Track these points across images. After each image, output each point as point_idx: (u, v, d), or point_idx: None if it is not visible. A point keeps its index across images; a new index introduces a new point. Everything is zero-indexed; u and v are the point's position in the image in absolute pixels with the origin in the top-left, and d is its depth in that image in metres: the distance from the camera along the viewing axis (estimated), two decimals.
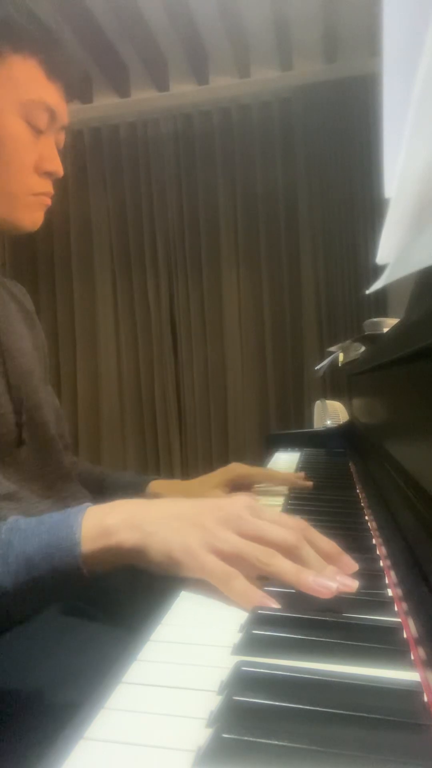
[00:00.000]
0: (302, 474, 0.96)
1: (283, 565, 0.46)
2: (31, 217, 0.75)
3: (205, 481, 0.92)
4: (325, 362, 1.67)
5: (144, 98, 3.28)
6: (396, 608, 0.44)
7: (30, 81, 0.70)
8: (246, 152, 3.16)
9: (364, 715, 0.30)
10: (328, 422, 1.68)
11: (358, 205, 2.99)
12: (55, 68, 0.71)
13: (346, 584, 0.46)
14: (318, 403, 1.98)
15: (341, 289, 3.05)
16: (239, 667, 0.35)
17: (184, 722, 0.31)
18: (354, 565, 0.50)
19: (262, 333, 3.20)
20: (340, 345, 1.56)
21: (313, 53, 3.02)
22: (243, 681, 0.34)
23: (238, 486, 0.92)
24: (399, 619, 0.42)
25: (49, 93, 0.71)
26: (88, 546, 0.48)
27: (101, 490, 0.92)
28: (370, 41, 2.80)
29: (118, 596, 0.74)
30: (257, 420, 3.21)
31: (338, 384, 2.72)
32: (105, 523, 0.49)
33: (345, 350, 1.48)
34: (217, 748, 0.28)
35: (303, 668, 0.36)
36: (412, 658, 0.37)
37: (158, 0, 2.61)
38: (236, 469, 0.93)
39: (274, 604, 0.44)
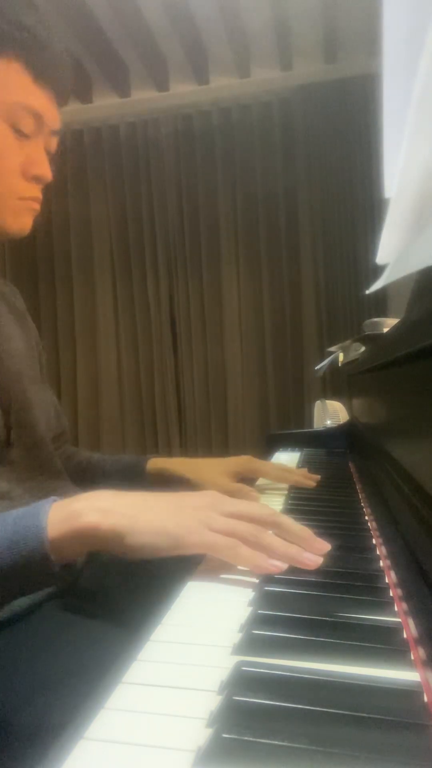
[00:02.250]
0: (305, 470, 0.97)
1: (272, 540, 0.51)
2: (19, 223, 0.74)
3: (215, 465, 0.91)
4: (325, 362, 1.67)
5: (144, 98, 3.28)
6: (396, 608, 0.44)
7: (14, 84, 0.68)
8: (246, 152, 3.16)
9: (364, 715, 0.30)
10: (328, 422, 1.68)
11: (358, 205, 2.99)
12: (42, 72, 0.70)
13: (310, 560, 0.51)
14: (318, 403, 1.98)
15: (341, 289, 3.05)
16: (239, 667, 0.35)
17: (184, 722, 0.31)
18: (326, 546, 0.54)
19: (262, 333, 3.20)
20: (340, 345, 1.56)
21: (313, 53, 3.02)
22: (243, 681, 0.34)
23: (246, 480, 0.91)
24: (399, 619, 0.42)
25: (35, 97, 0.70)
26: (56, 530, 0.49)
27: (103, 476, 0.92)
28: (370, 41, 2.80)
29: (118, 596, 0.74)
30: (257, 420, 3.21)
31: (338, 384, 2.72)
32: (71, 508, 0.50)
33: (345, 350, 1.48)
34: (217, 748, 0.28)
35: (303, 668, 0.36)
36: (412, 658, 0.37)
37: (158, 0, 2.61)
38: (249, 463, 0.92)
39: (282, 566, 0.49)
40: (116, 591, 0.73)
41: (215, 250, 3.23)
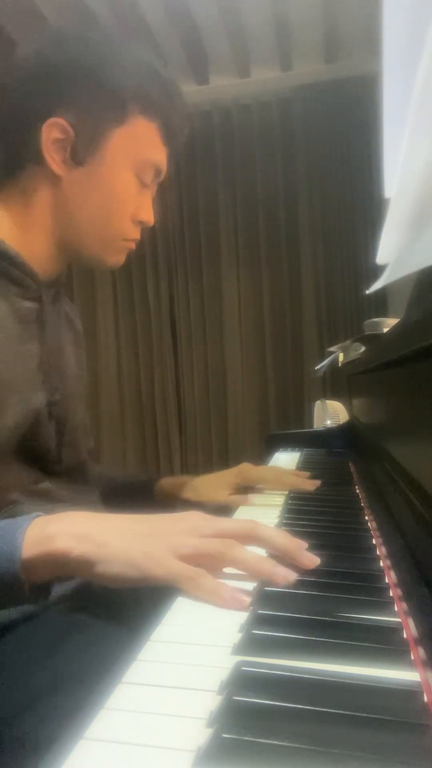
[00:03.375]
0: (307, 474, 0.96)
1: (243, 554, 0.48)
2: (117, 258, 0.81)
3: (213, 481, 0.92)
4: (325, 362, 1.67)
5: None
6: (396, 608, 0.44)
7: (148, 142, 0.76)
8: (246, 152, 3.16)
9: (364, 715, 0.30)
10: (328, 422, 1.68)
11: (358, 205, 2.99)
12: (170, 134, 0.78)
13: (283, 575, 0.48)
14: (318, 403, 1.98)
15: (341, 289, 3.05)
16: (239, 667, 0.35)
17: (184, 722, 0.31)
18: (316, 560, 0.51)
19: (262, 333, 3.20)
20: (340, 345, 1.56)
21: (313, 53, 3.02)
22: (243, 681, 0.34)
23: (246, 489, 0.92)
24: (399, 619, 0.42)
25: (160, 154, 0.78)
26: (30, 551, 0.48)
27: (117, 495, 0.93)
28: (370, 41, 2.80)
29: (124, 598, 0.74)
30: (257, 420, 3.21)
31: (338, 384, 2.72)
32: (46, 530, 0.50)
33: (345, 350, 1.48)
34: (217, 748, 0.28)
35: (303, 668, 0.36)
36: (412, 658, 0.37)
37: (158, 0, 2.61)
38: (247, 472, 0.93)
39: (246, 598, 0.45)
40: (124, 596, 0.73)
41: (215, 250, 3.23)
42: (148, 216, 0.80)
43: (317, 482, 0.94)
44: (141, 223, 0.80)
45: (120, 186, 0.75)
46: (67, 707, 0.48)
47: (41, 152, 0.71)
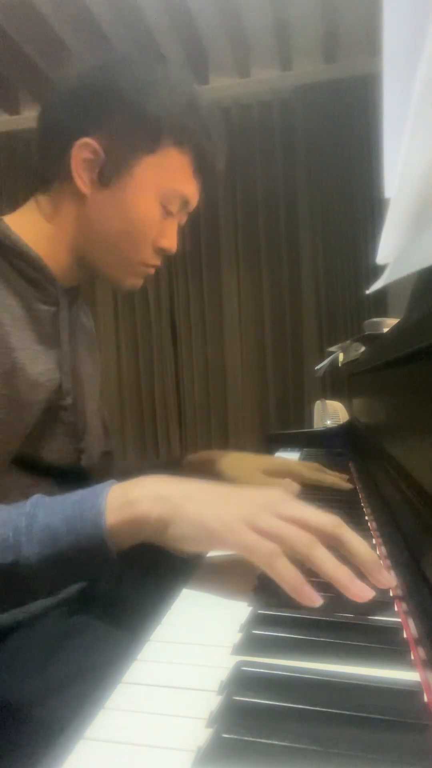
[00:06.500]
0: (346, 477, 0.94)
1: (323, 556, 0.45)
2: (134, 282, 0.82)
3: (252, 461, 0.90)
4: (325, 362, 1.67)
5: None
6: (396, 608, 0.44)
7: (177, 173, 0.76)
8: (246, 152, 3.16)
9: (364, 715, 0.30)
10: (328, 422, 1.68)
11: (358, 205, 2.99)
12: (203, 167, 0.78)
13: (361, 591, 0.44)
14: (318, 403, 1.98)
15: (341, 289, 3.05)
16: (239, 667, 0.35)
17: (184, 722, 0.31)
18: (393, 582, 0.47)
19: (262, 333, 3.20)
20: (340, 345, 1.56)
21: (313, 53, 3.02)
22: (243, 681, 0.34)
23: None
24: (399, 619, 0.42)
25: (189, 186, 0.78)
26: (113, 517, 0.48)
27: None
28: (370, 41, 2.80)
29: (126, 602, 0.74)
30: (257, 420, 3.21)
31: (338, 384, 2.72)
32: (129, 495, 0.49)
33: (345, 350, 1.48)
34: (217, 748, 0.28)
35: (303, 668, 0.36)
36: (412, 658, 0.37)
37: (158, 0, 2.61)
38: (286, 463, 0.91)
39: (318, 600, 0.43)
40: (130, 600, 0.74)
41: (215, 250, 3.23)
42: (171, 244, 0.80)
43: (347, 477, 0.93)
44: (162, 250, 0.80)
45: (143, 212, 0.76)
46: (68, 707, 0.48)
47: (70, 169, 0.73)
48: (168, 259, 0.84)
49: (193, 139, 0.75)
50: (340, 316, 3.06)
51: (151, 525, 0.48)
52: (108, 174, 0.73)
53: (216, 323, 3.25)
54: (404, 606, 0.44)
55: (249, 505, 0.48)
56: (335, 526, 0.47)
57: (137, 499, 0.49)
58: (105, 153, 0.72)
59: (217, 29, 2.82)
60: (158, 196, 0.76)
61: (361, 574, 0.46)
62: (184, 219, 0.82)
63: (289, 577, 0.44)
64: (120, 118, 0.73)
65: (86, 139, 0.72)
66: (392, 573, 0.48)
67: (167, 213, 0.77)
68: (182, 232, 0.83)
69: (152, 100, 0.73)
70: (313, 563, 0.45)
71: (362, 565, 0.46)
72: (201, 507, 0.48)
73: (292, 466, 0.92)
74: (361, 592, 0.43)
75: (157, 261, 0.81)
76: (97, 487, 0.51)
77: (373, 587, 0.45)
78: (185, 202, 0.79)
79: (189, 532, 0.47)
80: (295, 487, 0.83)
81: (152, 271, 0.82)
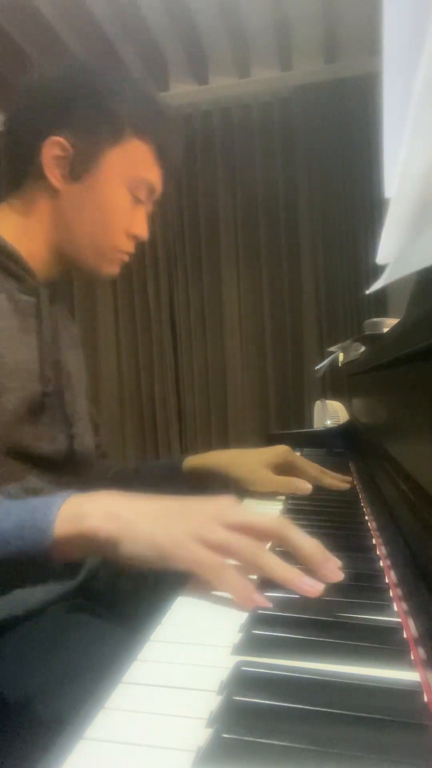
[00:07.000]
0: (349, 478, 0.94)
1: (271, 561, 0.46)
2: (110, 269, 0.86)
3: (254, 456, 0.90)
4: (325, 362, 1.67)
5: None
6: (396, 608, 0.44)
7: (141, 162, 0.82)
8: (246, 152, 3.16)
9: (364, 715, 0.30)
10: (328, 422, 1.68)
11: (358, 205, 2.99)
12: (163, 155, 0.84)
13: (309, 586, 0.46)
14: (318, 403, 1.98)
15: (341, 289, 3.05)
16: (239, 667, 0.35)
17: (184, 722, 0.31)
18: (340, 575, 0.48)
19: (262, 333, 3.20)
20: (340, 345, 1.56)
21: (313, 53, 3.01)
22: (243, 681, 0.34)
23: (284, 472, 0.89)
24: (399, 619, 0.42)
25: (154, 174, 0.84)
26: (61, 528, 0.49)
27: (140, 484, 0.93)
28: (370, 41, 2.80)
29: (125, 597, 0.74)
30: (257, 420, 3.21)
31: (338, 384, 2.72)
32: (80, 509, 0.50)
33: (345, 350, 1.48)
34: (217, 748, 0.28)
35: (303, 668, 0.36)
36: (412, 658, 0.37)
37: (158, 0, 2.61)
38: (288, 455, 0.91)
39: (266, 603, 0.44)
40: (128, 595, 0.74)
41: (215, 250, 3.23)
42: (142, 230, 0.85)
43: (349, 478, 0.94)
44: (135, 237, 0.85)
45: (114, 201, 0.81)
46: (67, 707, 0.48)
47: (42, 167, 0.77)
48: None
49: (152, 129, 0.81)
50: (340, 316, 3.06)
51: (100, 542, 0.48)
52: (78, 168, 0.78)
53: (216, 323, 3.24)
54: (404, 606, 0.44)
55: (198, 518, 0.49)
56: (280, 527, 0.49)
57: (87, 514, 0.49)
58: (73, 148, 0.77)
59: (217, 29, 2.81)
60: (126, 185, 0.81)
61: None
62: (150, 207, 0.87)
63: (237, 587, 0.45)
64: (84, 115, 0.78)
65: (55, 138, 0.76)
66: (337, 563, 0.49)
67: (136, 200, 0.83)
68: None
69: (112, 97, 0.78)
70: (262, 570, 0.47)
71: (308, 562, 0.48)
72: (152, 524, 0.49)
73: (294, 459, 0.92)
74: (311, 588, 0.46)
75: (130, 247, 0.85)
76: (55, 497, 0.52)
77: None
78: (151, 189, 0.84)
79: (140, 551, 0.48)
80: (308, 486, 0.84)
81: (127, 258, 0.86)
